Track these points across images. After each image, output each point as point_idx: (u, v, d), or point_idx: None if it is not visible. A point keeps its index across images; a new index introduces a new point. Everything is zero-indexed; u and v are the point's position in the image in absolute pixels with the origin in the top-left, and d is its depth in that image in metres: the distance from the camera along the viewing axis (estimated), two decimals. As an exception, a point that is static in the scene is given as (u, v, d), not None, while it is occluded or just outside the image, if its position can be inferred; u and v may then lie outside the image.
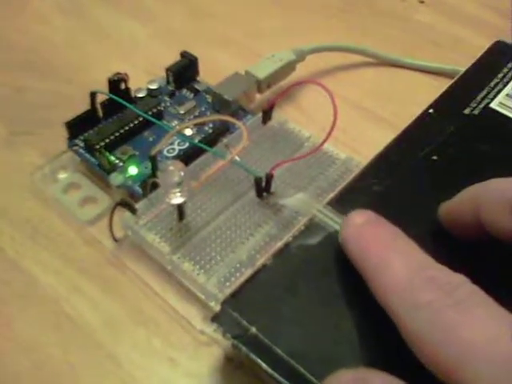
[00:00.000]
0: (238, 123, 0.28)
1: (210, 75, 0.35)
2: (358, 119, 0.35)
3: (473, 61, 0.33)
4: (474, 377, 0.16)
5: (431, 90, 0.32)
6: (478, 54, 0.34)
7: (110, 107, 0.31)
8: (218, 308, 0.23)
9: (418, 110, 0.30)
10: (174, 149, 0.31)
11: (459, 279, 0.19)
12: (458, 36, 0.41)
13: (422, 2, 0.45)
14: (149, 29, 0.42)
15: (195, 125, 0.32)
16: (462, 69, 0.33)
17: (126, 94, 0.32)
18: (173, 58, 0.35)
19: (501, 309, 0.18)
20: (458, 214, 0.23)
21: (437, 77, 0.38)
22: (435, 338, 0.17)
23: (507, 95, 0.31)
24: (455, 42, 0.41)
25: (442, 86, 0.32)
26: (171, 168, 0.25)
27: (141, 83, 0.34)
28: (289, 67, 0.35)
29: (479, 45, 0.35)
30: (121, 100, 0.30)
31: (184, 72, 0.34)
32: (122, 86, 0.32)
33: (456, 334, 0.17)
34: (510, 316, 0.17)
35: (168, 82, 0.34)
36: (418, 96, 0.34)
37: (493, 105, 0.30)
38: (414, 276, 0.19)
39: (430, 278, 0.19)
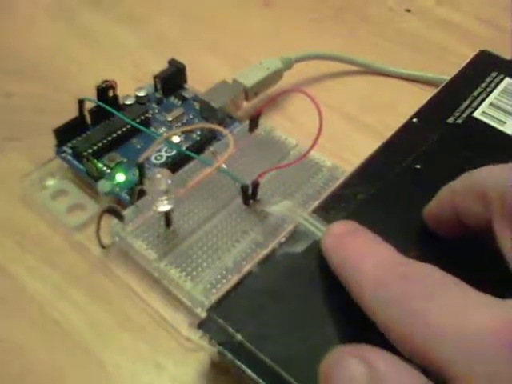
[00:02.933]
0: (225, 131, 0.28)
1: (198, 82, 0.35)
2: (345, 127, 0.35)
3: (458, 70, 0.34)
4: (448, 358, 0.17)
5: (417, 98, 0.32)
6: (463, 63, 0.34)
7: (98, 114, 0.32)
8: (204, 314, 0.23)
9: (403, 118, 0.31)
10: (161, 156, 0.31)
11: (428, 269, 0.19)
12: (444, 45, 0.42)
13: (409, 11, 0.45)
14: (138, 35, 0.42)
15: (183, 132, 0.32)
16: (448, 77, 0.33)
17: (114, 101, 0.32)
18: (161, 64, 0.35)
19: (469, 288, 0.18)
20: (439, 211, 0.24)
21: (423, 85, 0.38)
22: (407, 327, 0.18)
23: (490, 104, 0.31)
24: (441, 50, 0.41)
25: (427, 94, 0.32)
26: (158, 176, 0.25)
27: (129, 90, 0.34)
28: (276, 75, 0.35)
29: (465, 54, 0.35)
30: (109, 107, 0.30)
31: (172, 79, 0.34)
32: (110, 94, 0.32)
33: (424, 320, 0.18)
34: (477, 292, 0.18)
35: (156, 90, 0.35)
36: (403, 104, 0.35)
37: (476, 114, 0.31)
38: (386, 272, 0.20)
39: (402, 272, 0.19)
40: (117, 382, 0.24)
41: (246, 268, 0.25)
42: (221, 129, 0.29)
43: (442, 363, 0.17)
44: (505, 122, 0.30)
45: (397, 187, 0.27)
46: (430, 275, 0.19)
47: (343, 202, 0.26)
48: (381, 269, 0.20)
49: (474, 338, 0.17)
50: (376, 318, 0.19)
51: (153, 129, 0.33)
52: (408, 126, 0.30)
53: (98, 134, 0.31)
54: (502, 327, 0.16)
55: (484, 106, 0.31)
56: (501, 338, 0.16)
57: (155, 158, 0.31)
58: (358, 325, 0.21)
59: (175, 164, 0.30)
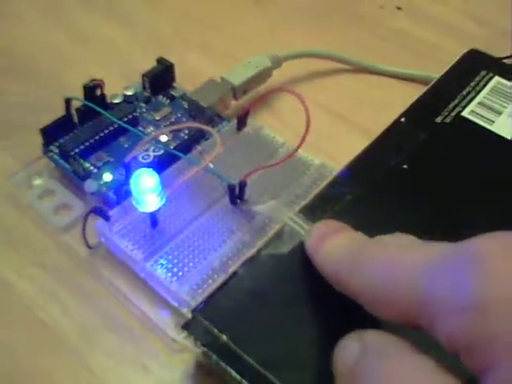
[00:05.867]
0: (212, 130, 0.28)
1: (187, 81, 0.35)
2: (334, 126, 0.35)
3: (447, 68, 0.34)
4: (406, 292, 0.18)
5: (407, 96, 0.32)
6: (453, 62, 0.34)
7: (86, 113, 0.31)
8: (190, 315, 0.23)
9: (393, 117, 0.31)
10: (149, 155, 0.31)
11: (398, 234, 0.20)
12: (435, 43, 0.42)
13: (400, 9, 0.45)
14: (127, 33, 0.41)
15: (171, 131, 0.32)
16: (437, 76, 0.33)
17: (101, 100, 0.32)
18: (150, 63, 0.35)
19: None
20: None
21: (413, 83, 0.38)
22: (373, 282, 0.19)
23: (479, 103, 0.31)
24: (431, 48, 0.41)
25: (417, 92, 0.32)
26: (144, 176, 0.25)
27: (117, 88, 0.34)
28: (265, 73, 0.35)
29: (455, 52, 0.35)
30: (96, 107, 0.30)
31: (160, 78, 0.34)
32: (98, 92, 0.32)
33: (388, 267, 0.19)
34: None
35: (144, 88, 0.34)
36: (393, 103, 0.35)
37: (464, 113, 0.31)
38: (360, 250, 0.20)
39: (375, 241, 0.21)
40: (103, 383, 0.24)
41: (233, 268, 0.25)
42: (208, 128, 0.28)
43: (409, 302, 0.17)
44: (493, 122, 0.30)
45: (384, 187, 0.27)
46: (398, 237, 0.20)
47: (330, 202, 0.26)
48: (352, 251, 0.21)
49: (428, 268, 0.17)
50: (355, 294, 0.20)
51: (141, 128, 0.32)
52: (396, 125, 0.30)
53: (86, 133, 0.31)
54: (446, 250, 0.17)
55: (473, 105, 0.31)
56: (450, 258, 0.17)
57: (143, 158, 0.31)
58: (344, 326, 0.21)
59: (163, 163, 0.30)
